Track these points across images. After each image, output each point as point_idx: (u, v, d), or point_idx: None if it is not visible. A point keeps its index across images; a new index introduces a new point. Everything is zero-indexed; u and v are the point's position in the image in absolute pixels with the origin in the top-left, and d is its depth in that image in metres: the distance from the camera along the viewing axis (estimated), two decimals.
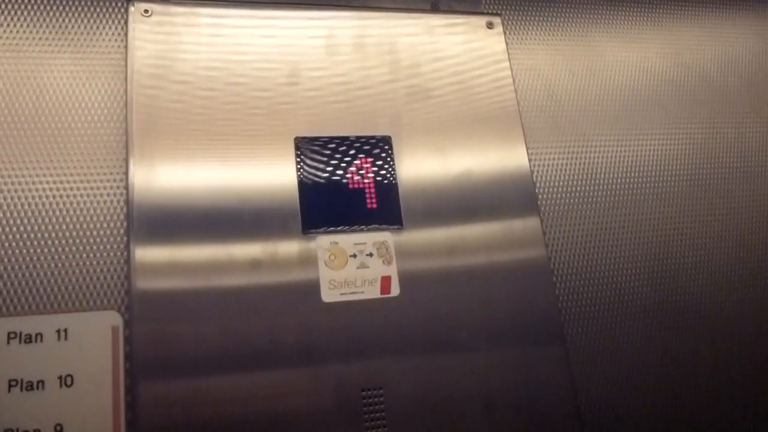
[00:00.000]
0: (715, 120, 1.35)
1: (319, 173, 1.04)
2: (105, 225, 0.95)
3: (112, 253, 0.94)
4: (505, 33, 1.25)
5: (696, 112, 1.34)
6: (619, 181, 1.24)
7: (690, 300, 1.20)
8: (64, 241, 0.93)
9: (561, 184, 1.20)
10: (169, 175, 0.98)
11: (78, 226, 0.94)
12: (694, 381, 1.15)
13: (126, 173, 0.97)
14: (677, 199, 1.26)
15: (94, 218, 0.95)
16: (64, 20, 1.04)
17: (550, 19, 1.31)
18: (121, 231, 0.95)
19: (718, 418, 1.15)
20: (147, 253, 0.93)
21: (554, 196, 1.19)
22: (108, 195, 0.97)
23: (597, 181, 1.22)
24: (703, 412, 1.14)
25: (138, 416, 0.87)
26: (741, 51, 1.43)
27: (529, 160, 1.17)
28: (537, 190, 1.17)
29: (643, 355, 1.14)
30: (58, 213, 0.94)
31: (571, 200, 1.19)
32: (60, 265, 0.92)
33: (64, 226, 0.94)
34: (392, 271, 1.02)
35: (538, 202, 1.16)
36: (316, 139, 1.06)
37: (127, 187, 0.96)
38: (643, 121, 1.30)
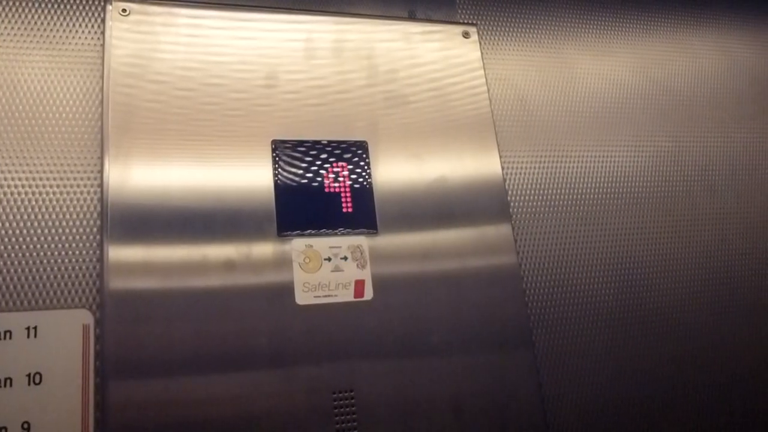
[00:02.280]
0: (681, 133, 1.39)
1: (295, 176, 1.04)
2: (78, 223, 0.95)
3: (84, 251, 0.94)
4: (480, 42, 1.27)
5: (662, 125, 1.38)
6: (588, 190, 1.27)
7: (655, 307, 1.23)
8: (36, 239, 0.92)
9: (532, 191, 1.22)
10: (144, 175, 0.97)
11: (51, 223, 0.94)
12: (658, 387, 1.18)
13: (101, 172, 0.97)
14: (643, 209, 1.29)
15: (68, 216, 0.94)
16: (40, 17, 1.03)
17: (524, 30, 1.34)
18: (95, 229, 0.95)
19: (681, 423, 1.18)
20: (120, 252, 0.93)
21: (526, 203, 1.21)
22: (82, 193, 0.96)
23: (567, 190, 1.25)
24: (666, 417, 1.17)
25: (107, 415, 0.86)
26: (707, 66, 1.48)
27: (502, 168, 1.19)
28: (509, 198, 1.19)
29: (609, 361, 1.17)
30: (30, 210, 0.93)
31: (542, 208, 1.22)
32: (31, 262, 0.91)
33: (36, 224, 0.93)
34: (366, 275, 1.03)
35: (510, 210, 1.18)
36: (293, 142, 1.06)
37: (101, 186, 0.96)
38: (612, 132, 1.33)
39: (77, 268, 0.93)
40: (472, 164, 1.16)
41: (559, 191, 1.24)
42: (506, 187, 1.19)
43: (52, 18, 1.03)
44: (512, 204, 1.19)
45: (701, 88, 1.45)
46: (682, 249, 1.29)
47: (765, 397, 1.25)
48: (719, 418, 1.21)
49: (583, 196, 1.26)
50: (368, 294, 1.02)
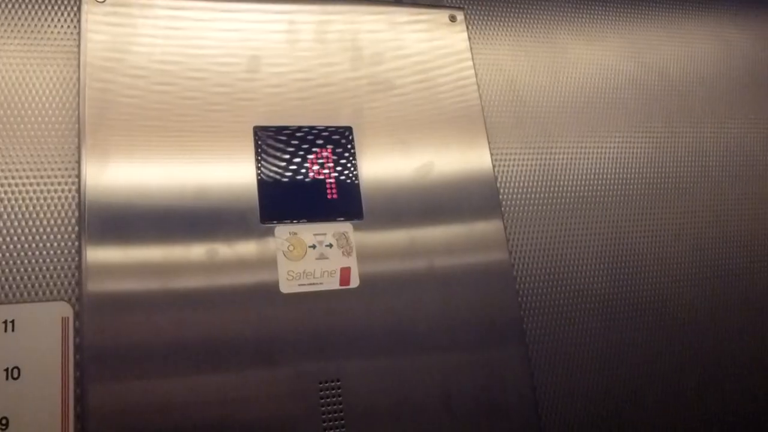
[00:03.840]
0: (674, 120, 1.36)
1: (278, 163, 1.03)
2: (56, 214, 0.93)
3: (62, 243, 0.92)
4: (467, 27, 1.25)
5: (655, 112, 1.35)
6: (580, 181, 1.24)
7: (650, 301, 1.20)
8: (12, 231, 0.91)
9: (524, 185, 1.19)
10: (123, 161, 0.96)
11: (28, 215, 0.92)
12: (654, 381, 1.15)
13: (78, 161, 0.95)
14: (637, 199, 1.26)
15: (45, 207, 0.93)
16: (15, 4, 1.02)
17: (513, 14, 1.32)
18: (73, 220, 0.93)
19: (676, 417, 1.15)
20: (99, 244, 0.91)
21: (517, 196, 1.18)
22: (60, 184, 0.95)
23: (559, 182, 1.22)
24: (662, 412, 1.14)
25: (87, 409, 0.84)
26: (701, 52, 1.45)
27: (492, 160, 1.17)
28: (500, 191, 1.16)
29: (604, 358, 1.13)
30: (6, 201, 0.92)
31: (535, 201, 1.19)
32: (8, 255, 0.90)
33: (13, 215, 0.92)
34: (352, 262, 1.01)
35: (501, 205, 1.15)
36: (276, 128, 1.05)
37: (79, 176, 0.95)
38: (604, 119, 1.30)
39: (55, 260, 0.91)
40: (461, 156, 1.14)
41: (551, 183, 1.21)
42: (497, 181, 1.16)
43: (26, 6, 1.02)
44: (503, 197, 1.16)
45: (696, 75, 1.43)
46: (676, 240, 1.26)
47: (758, 390, 1.22)
48: (713, 410, 1.18)
49: (576, 188, 1.23)
50: (354, 282, 1.00)
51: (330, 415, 0.93)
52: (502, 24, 1.30)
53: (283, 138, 1.04)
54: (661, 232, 1.25)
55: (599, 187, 1.24)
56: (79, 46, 1.01)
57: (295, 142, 1.05)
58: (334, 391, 0.94)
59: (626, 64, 1.38)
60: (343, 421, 0.93)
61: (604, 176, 1.26)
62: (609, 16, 1.41)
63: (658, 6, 1.46)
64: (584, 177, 1.24)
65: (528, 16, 1.33)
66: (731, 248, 1.29)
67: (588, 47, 1.36)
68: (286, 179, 1.02)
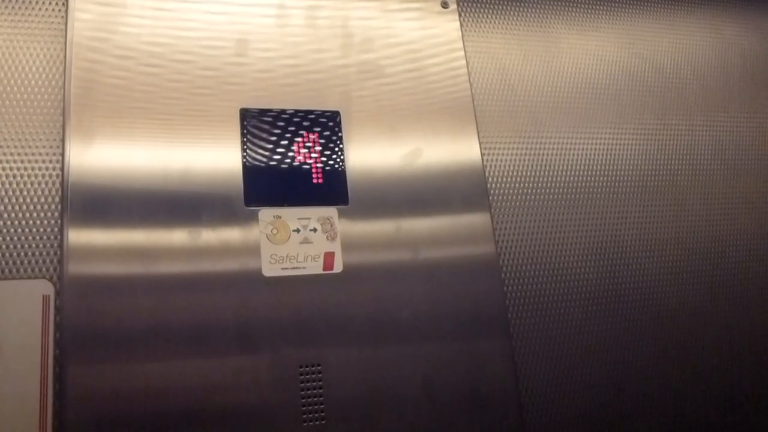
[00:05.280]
0: (667, 113, 1.35)
1: (264, 146, 1.02)
2: (39, 192, 0.93)
3: (45, 222, 0.92)
4: (460, 13, 1.24)
5: (648, 104, 1.35)
6: (571, 173, 1.23)
7: (636, 295, 1.19)
8: None
9: (513, 176, 1.19)
10: (108, 142, 0.96)
11: (11, 192, 0.92)
12: (638, 375, 1.15)
13: (63, 141, 0.95)
14: (627, 192, 1.25)
15: (28, 186, 0.93)
16: None
17: (506, 2, 1.31)
18: (57, 199, 0.93)
19: (660, 411, 1.15)
20: (81, 223, 0.91)
21: (506, 189, 1.17)
22: (44, 162, 0.94)
23: (549, 174, 1.21)
24: (646, 405, 1.14)
25: (66, 388, 0.84)
26: (696, 45, 1.44)
27: (481, 151, 1.16)
28: (488, 183, 1.16)
29: (588, 351, 1.13)
30: None
31: (524, 193, 1.18)
32: None
33: None
34: (336, 247, 1.00)
35: (489, 196, 1.15)
36: (263, 111, 1.04)
37: (63, 155, 0.94)
38: (596, 110, 1.30)
39: (38, 238, 0.91)
40: (450, 146, 1.13)
41: (540, 175, 1.21)
42: (485, 172, 1.16)
43: None
44: (491, 190, 1.16)
45: (690, 68, 1.42)
46: (665, 235, 1.25)
47: (743, 384, 1.22)
48: (697, 403, 1.18)
49: (565, 181, 1.22)
50: (338, 267, 1.00)
51: (310, 399, 0.93)
52: (494, 12, 1.29)
53: (270, 121, 1.04)
54: (651, 226, 1.25)
55: (589, 180, 1.24)
56: (66, 23, 1.01)
57: (282, 125, 1.04)
58: (314, 376, 0.94)
59: (620, 55, 1.37)
60: (323, 406, 0.93)
61: (595, 169, 1.25)
62: (604, 6, 1.40)
63: None
64: (574, 169, 1.23)
65: (521, 4, 1.32)
66: (721, 244, 1.29)
67: (582, 37, 1.35)
68: (271, 163, 1.02)
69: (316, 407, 0.93)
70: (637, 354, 1.16)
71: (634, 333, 1.17)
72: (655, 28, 1.42)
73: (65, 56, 0.99)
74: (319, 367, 0.94)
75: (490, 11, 1.29)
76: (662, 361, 1.17)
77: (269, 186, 1.00)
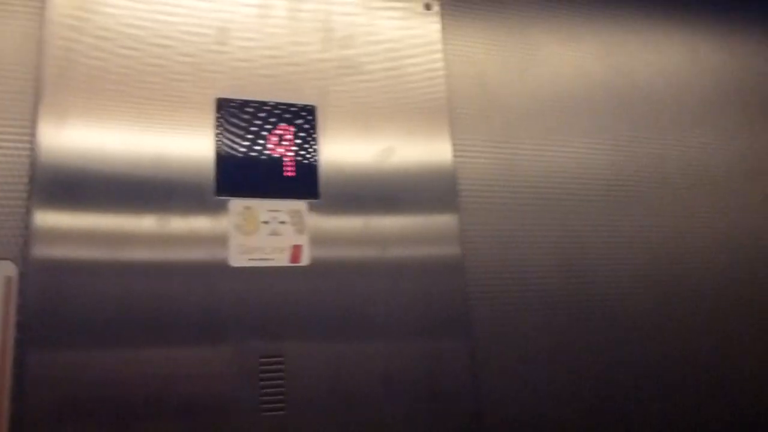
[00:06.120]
0: (639, 126, 1.37)
1: (238, 136, 1.02)
2: (7, 172, 0.92)
3: (12, 202, 0.91)
4: (442, 16, 1.25)
5: (622, 116, 1.36)
6: (541, 179, 1.25)
7: (599, 301, 1.21)
8: None
9: (483, 180, 1.20)
10: (80, 124, 0.95)
11: None
12: (596, 378, 1.17)
13: (34, 120, 0.94)
14: (596, 201, 1.28)
15: None
16: None
17: (488, 7, 1.32)
18: (25, 179, 0.92)
19: (615, 413, 1.17)
20: (49, 205, 0.90)
21: (476, 192, 1.19)
22: (13, 141, 0.93)
23: (520, 179, 1.23)
24: (601, 405, 1.16)
25: (25, 370, 0.84)
26: (671, 62, 1.46)
27: (454, 153, 1.17)
28: (459, 185, 1.17)
29: (548, 353, 1.15)
30: None
31: (492, 197, 1.19)
32: None
33: None
34: (304, 240, 1.01)
35: (459, 198, 1.16)
36: (239, 101, 1.04)
37: (33, 135, 0.93)
38: (570, 119, 1.31)
39: (2, 218, 0.90)
40: (423, 145, 1.15)
41: (511, 180, 1.22)
42: (456, 172, 1.17)
43: None
44: (461, 190, 1.17)
45: (664, 84, 1.44)
46: (630, 244, 1.28)
47: (701, 388, 1.25)
48: (652, 407, 1.20)
49: (536, 187, 1.24)
50: (305, 261, 1.00)
51: (270, 390, 0.93)
52: (476, 17, 1.30)
53: (246, 112, 1.04)
54: (616, 234, 1.27)
55: (559, 187, 1.25)
56: (44, 0, 1.00)
57: (257, 116, 1.04)
58: (275, 367, 0.94)
59: (598, 66, 1.39)
60: (282, 397, 0.94)
61: (565, 177, 1.27)
62: (585, 18, 1.41)
63: (634, 13, 1.47)
64: (545, 176, 1.25)
65: (504, 10, 1.33)
66: (684, 254, 1.31)
67: (561, 47, 1.36)
68: (244, 153, 1.02)
69: (276, 398, 0.93)
70: (596, 355, 1.18)
71: (594, 335, 1.19)
72: (633, 44, 1.44)
73: (41, 34, 0.98)
74: (281, 359, 0.95)
75: (473, 16, 1.30)
76: (620, 362, 1.19)
77: (241, 177, 1.00)
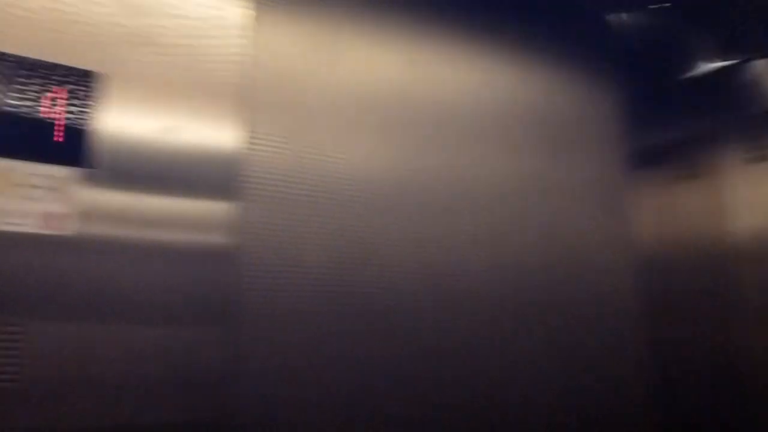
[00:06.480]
0: (431, 136, 1.44)
1: (6, 93, 0.96)
2: None
3: None
4: (258, 4, 1.24)
5: (417, 125, 1.42)
6: (330, 179, 1.28)
7: (372, 297, 1.28)
8: None
9: (271, 172, 1.21)
10: None
11: None
12: (369, 371, 1.24)
13: None
14: (380, 204, 1.33)
15: None
16: None
17: (305, 1, 1.32)
18: None
19: (386, 405, 1.24)
20: None
21: (260, 183, 1.20)
22: None
23: (308, 176, 1.26)
24: (370, 401, 1.23)
25: None
26: (468, 78, 1.53)
27: (247, 142, 1.18)
28: (245, 174, 1.17)
29: (313, 345, 1.20)
30: None
31: (277, 191, 1.21)
32: None
33: None
34: (63, 209, 0.97)
35: (241, 188, 1.16)
36: (12, 57, 0.98)
37: None
38: (369, 123, 1.36)
39: None
40: (213, 129, 1.14)
41: (299, 175, 1.24)
42: (243, 162, 1.17)
43: None
44: (246, 180, 1.17)
45: (459, 101, 1.50)
46: (407, 243, 1.35)
47: (495, 384, 1.35)
48: (429, 400, 1.28)
49: (323, 185, 1.27)
50: (64, 230, 0.97)
51: (2, 360, 0.89)
52: (293, 10, 1.30)
53: (19, 68, 0.98)
54: (394, 237, 1.33)
55: (345, 188, 1.29)
56: None
57: (32, 75, 0.99)
58: (11, 344, 0.91)
59: (400, 76, 1.42)
60: (17, 368, 0.90)
61: (352, 178, 1.31)
62: (394, 28, 1.44)
63: (440, 32, 1.51)
64: (333, 175, 1.29)
65: (321, 8, 1.34)
66: (447, 257, 1.40)
67: (369, 52, 1.39)
68: (11, 112, 0.96)
69: (8, 369, 0.90)
70: (367, 351, 1.25)
71: (369, 331, 1.25)
72: (435, 60, 1.49)
73: None
74: (19, 329, 0.91)
75: (290, 9, 1.30)
76: (381, 355, 1.26)
77: (3, 135, 0.95)
